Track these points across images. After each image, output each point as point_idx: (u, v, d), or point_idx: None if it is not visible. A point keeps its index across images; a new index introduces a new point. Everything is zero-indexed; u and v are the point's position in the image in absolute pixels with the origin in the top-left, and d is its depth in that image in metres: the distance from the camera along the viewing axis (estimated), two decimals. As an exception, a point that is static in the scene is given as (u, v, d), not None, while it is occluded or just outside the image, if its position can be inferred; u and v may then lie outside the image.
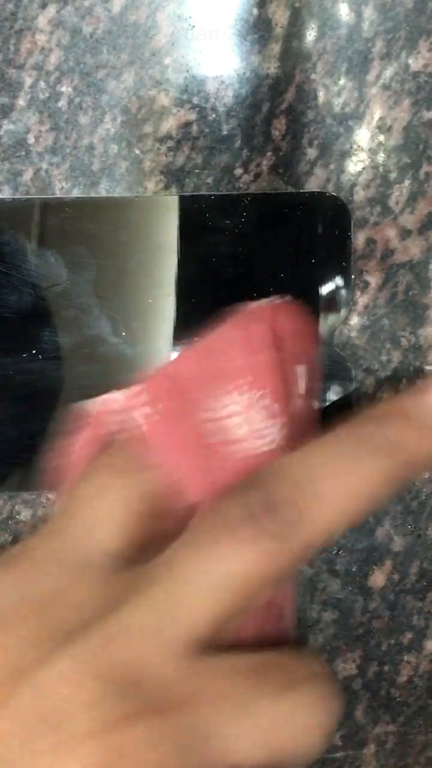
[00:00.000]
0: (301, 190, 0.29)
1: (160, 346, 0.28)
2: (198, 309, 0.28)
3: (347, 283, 0.28)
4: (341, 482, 0.15)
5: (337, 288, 0.28)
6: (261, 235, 0.28)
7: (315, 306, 0.28)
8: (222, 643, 0.14)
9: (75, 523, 0.16)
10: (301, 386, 0.17)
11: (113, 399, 0.17)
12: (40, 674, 0.13)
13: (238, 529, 0.14)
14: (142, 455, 0.16)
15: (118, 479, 0.16)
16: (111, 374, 0.28)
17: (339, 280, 0.28)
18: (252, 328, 0.17)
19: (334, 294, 0.28)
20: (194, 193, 0.29)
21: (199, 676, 0.13)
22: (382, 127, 0.29)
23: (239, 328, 0.17)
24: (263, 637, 0.15)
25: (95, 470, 0.16)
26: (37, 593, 0.14)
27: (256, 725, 0.13)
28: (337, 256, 0.28)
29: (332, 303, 0.28)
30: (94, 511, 0.16)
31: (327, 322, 0.28)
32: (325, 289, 0.28)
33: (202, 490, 0.16)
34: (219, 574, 0.14)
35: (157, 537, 0.15)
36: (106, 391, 0.28)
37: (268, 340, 0.17)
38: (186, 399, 0.16)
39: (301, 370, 0.17)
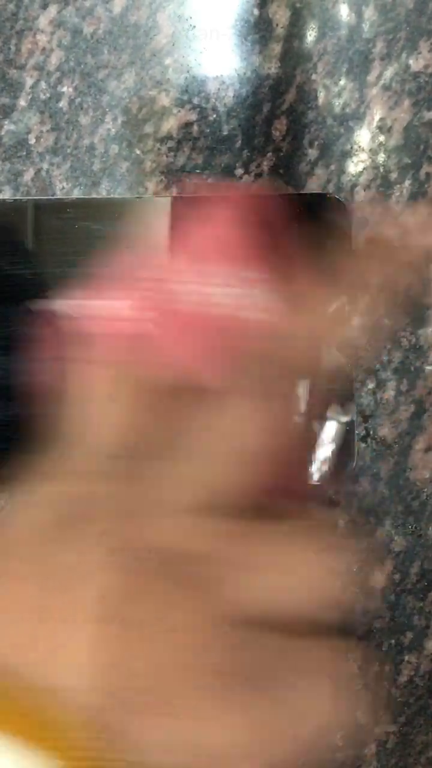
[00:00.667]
0: (302, 192, 0.29)
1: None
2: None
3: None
4: None
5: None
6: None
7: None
8: (231, 504, 0.15)
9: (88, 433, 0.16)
10: (280, 253, 0.18)
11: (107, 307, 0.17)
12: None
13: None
14: (156, 355, 0.17)
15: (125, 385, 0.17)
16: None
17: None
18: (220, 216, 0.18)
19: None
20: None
21: (207, 537, 0.15)
22: (383, 128, 0.29)
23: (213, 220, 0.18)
24: (275, 498, 0.16)
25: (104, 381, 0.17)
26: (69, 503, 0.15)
27: (259, 577, 0.15)
28: (338, 258, 0.28)
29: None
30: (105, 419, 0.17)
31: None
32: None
33: (218, 372, 0.17)
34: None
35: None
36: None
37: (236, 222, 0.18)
38: (181, 292, 0.17)
39: (278, 238, 0.18)
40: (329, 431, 0.28)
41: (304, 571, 0.15)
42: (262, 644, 0.14)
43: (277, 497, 0.16)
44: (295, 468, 0.18)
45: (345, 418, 0.28)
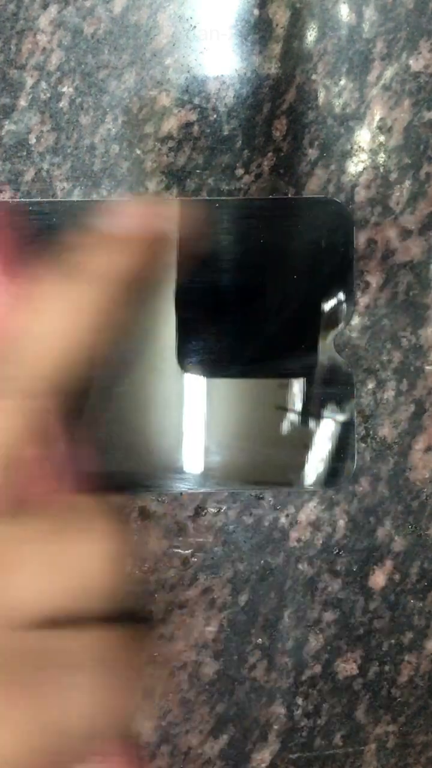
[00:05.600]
0: (303, 196, 0.29)
1: (162, 348, 0.28)
2: (199, 313, 0.28)
3: (349, 291, 0.28)
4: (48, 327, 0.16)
5: (339, 294, 0.28)
6: (263, 240, 0.28)
7: (316, 313, 0.28)
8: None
9: None
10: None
11: None
12: None
13: None
14: None
15: None
16: (112, 377, 0.28)
17: (341, 287, 0.28)
18: None
19: (335, 300, 0.28)
20: (196, 198, 0.29)
21: None
22: (383, 128, 0.29)
23: None
24: (47, 499, 0.16)
25: None
26: None
27: (32, 574, 0.14)
28: (339, 262, 0.28)
29: (334, 310, 0.28)
30: None
31: (328, 327, 0.28)
32: (327, 296, 0.28)
33: None
34: None
35: None
36: (106, 395, 0.28)
37: None
38: None
39: None
40: (326, 430, 0.28)
41: (70, 563, 0.15)
42: (32, 644, 0.14)
43: (37, 495, 0.16)
44: (51, 469, 0.17)
45: (342, 417, 0.28)
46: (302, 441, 0.28)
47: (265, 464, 0.28)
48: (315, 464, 0.28)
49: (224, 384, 0.28)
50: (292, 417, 0.28)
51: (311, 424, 0.28)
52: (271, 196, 0.29)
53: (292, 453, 0.28)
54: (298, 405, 0.28)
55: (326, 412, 0.28)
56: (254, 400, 0.28)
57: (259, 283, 0.28)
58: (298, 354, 0.28)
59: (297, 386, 0.28)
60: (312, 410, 0.28)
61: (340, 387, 0.28)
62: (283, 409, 0.28)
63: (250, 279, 0.28)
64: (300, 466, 0.28)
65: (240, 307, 0.28)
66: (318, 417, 0.28)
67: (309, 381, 0.28)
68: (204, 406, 0.28)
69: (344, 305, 0.28)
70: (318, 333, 0.28)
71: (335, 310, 0.28)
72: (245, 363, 0.28)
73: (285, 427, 0.28)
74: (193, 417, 0.28)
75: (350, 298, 0.28)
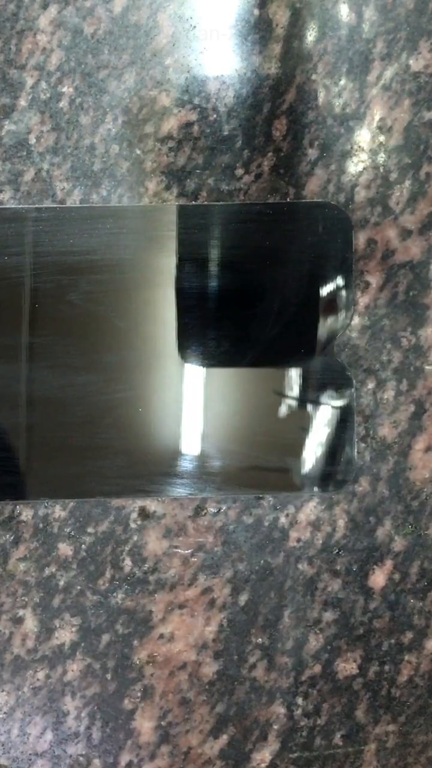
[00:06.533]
0: (302, 201, 0.29)
1: (162, 352, 0.28)
2: (200, 318, 0.28)
3: (348, 296, 0.28)
4: None
5: (338, 299, 0.28)
6: (261, 245, 0.28)
7: (315, 318, 0.28)
8: None
9: None
10: None
11: None
12: None
13: None
14: None
15: None
16: (112, 383, 0.28)
17: (340, 292, 0.28)
18: None
19: (335, 305, 0.28)
20: (195, 203, 0.29)
21: None
22: (383, 128, 0.29)
23: None
24: None
25: None
26: None
27: None
28: (338, 266, 0.28)
29: (333, 313, 0.28)
30: None
31: (327, 332, 0.28)
32: (326, 300, 0.28)
33: None
34: None
35: None
36: (107, 400, 0.28)
37: None
38: None
39: None
40: (324, 416, 0.28)
41: None
42: None
43: None
44: None
45: (339, 403, 0.28)
46: (303, 444, 0.28)
47: (266, 469, 0.28)
48: (316, 467, 0.28)
49: (224, 390, 0.28)
50: (293, 423, 0.28)
51: (312, 426, 0.28)
52: (269, 201, 0.29)
53: (293, 457, 0.28)
54: (299, 408, 0.28)
55: (326, 414, 0.28)
56: (254, 406, 0.28)
57: (258, 286, 0.28)
58: (297, 357, 0.28)
59: (297, 390, 0.28)
60: (312, 413, 0.28)
61: (339, 388, 0.28)
62: (285, 413, 0.28)
63: (248, 282, 0.28)
64: (301, 469, 0.28)
65: (239, 311, 0.28)
66: (318, 418, 0.28)
67: (308, 384, 0.28)
68: (203, 413, 0.28)
69: (344, 308, 0.28)
70: (317, 335, 0.28)
71: (335, 312, 0.28)
72: (244, 367, 0.28)
73: (286, 432, 0.28)
74: (193, 424, 0.28)
75: (350, 301, 0.28)
